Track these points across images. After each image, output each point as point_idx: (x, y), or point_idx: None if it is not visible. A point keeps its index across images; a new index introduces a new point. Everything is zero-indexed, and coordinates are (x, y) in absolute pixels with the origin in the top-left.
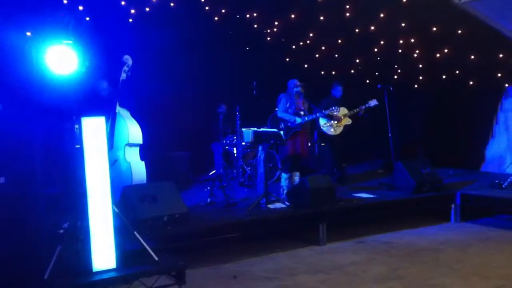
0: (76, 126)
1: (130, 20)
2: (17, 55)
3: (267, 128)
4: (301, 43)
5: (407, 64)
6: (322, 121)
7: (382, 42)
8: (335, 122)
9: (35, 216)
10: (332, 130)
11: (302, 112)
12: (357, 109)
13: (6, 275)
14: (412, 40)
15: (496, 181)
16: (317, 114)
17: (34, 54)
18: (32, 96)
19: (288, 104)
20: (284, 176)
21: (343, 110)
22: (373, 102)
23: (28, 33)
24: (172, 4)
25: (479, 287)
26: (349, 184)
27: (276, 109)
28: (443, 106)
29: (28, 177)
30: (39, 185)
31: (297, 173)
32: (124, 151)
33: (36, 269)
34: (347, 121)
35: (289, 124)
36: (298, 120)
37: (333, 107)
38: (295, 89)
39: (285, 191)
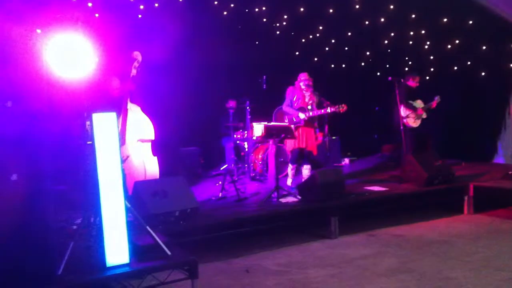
0: (88, 122)
1: (139, 15)
2: (27, 52)
3: (272, 122)
4: (310, 36)
5: (418, 56)
6: (406, 112)
7: (392, 34)
8: (415, 114)
9: (47, 213)
10: (413, 122)
11: (309, 107)
12: (429, 104)
13: (19, 271)
14: (423, 32)
15: (509, 172)
16: (323, 110)
17: (44, 51)
18: (42, 93)
19: (294, 98)
20: (289, 166)
21: (420, 104)
22: (439, 98)
23: (38, 30)
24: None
25: (491, 279)
26: None
27: None
28: (455, 98)
29: (40, 174)
30: (51, 182)
31: (308, 166)
32: (137, 147)
33: (49, 265)
34: (424, 114)
35: (293, 119)
36: (302, 115)
37: (341, 105)
38: (300, 83)
39: (290, 181)
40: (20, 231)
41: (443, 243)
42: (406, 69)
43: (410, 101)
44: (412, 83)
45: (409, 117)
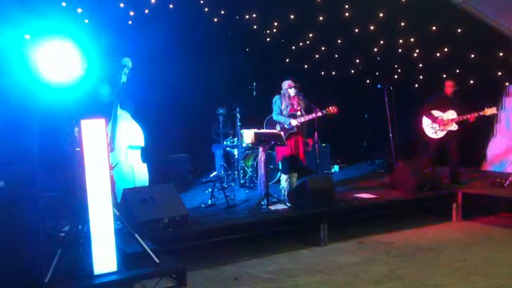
0: (76, 128)
1: (130, 22)
2: (15, 57)
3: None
4: (300, 44)
5: (407, 63)
6: (426, 122)
7: (381, 42)
8: (437, 125)
9: (35, 220)
10: (433, 133)
11: (298, 113)
12: (468, 116)
13: (6, 279)
14: (412, 40)
15: (498, 180)
16: (313, 115)
17: (32, 56)
18: (31, 99)
19: (283, 106)
20: (283, 177)
21: (451, 114)
22: (490, 111)
23: (26, 36)
24: (171, 6)
25: (480, 286)
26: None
27: None
28: None
29: (27, 181)
30: (38, 189)
31: (295, 174)
32: (126, 154)
33: (37, 272)
34: (452, 126)
35: (285, 126)
36: (294, 122)
37: (331, 107)
38: (289, 89)
39: (285, 192)
40: (7, 238)
41: (432, 250)
42: (396, 76)
43: (438, 112)
44: (447, 89)
45: (428, 126)
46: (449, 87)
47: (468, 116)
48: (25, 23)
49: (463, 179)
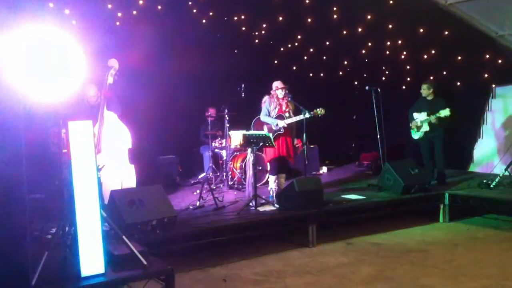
0: (63, 130)
1: (118, 23)
2: (2, 59)
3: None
4: (289, 46)
5: (395, 65)
6: (409, 123)
7: (369, 44)
8: (413, 125)
9: (22, 222)
10: (413, 133)
11: (287, 114)
12: (434, 117)
13: None
14: (399, 42)
15: (484, 181)
16: (301, 116)
17: (19, 58)
18: (18, 101)
19: (271, 107)
20: (272, 178)
21: (423, 116)
22: (444, 112)
23: (13, 37)
24: (159, 7)
25: (467, 287)
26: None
27: None
28: None
29: (15, 183)
30: (25, 191)
31: (283, 175)
32: (113, 155)
33: (23, 275)
34: (424, 128)
35: (272, 127)
36: (281, 123)
37: (318, 109)
38: (278, 91)
39: (274, 193)
40: None
41: (420, 251)
42: (383, 78)
43: (415, 113)
44: (422, 91)
45: (411, 127)
46: (422, 89)
47: (435, 117)
48: (13, 25)
49: (450, 181)
